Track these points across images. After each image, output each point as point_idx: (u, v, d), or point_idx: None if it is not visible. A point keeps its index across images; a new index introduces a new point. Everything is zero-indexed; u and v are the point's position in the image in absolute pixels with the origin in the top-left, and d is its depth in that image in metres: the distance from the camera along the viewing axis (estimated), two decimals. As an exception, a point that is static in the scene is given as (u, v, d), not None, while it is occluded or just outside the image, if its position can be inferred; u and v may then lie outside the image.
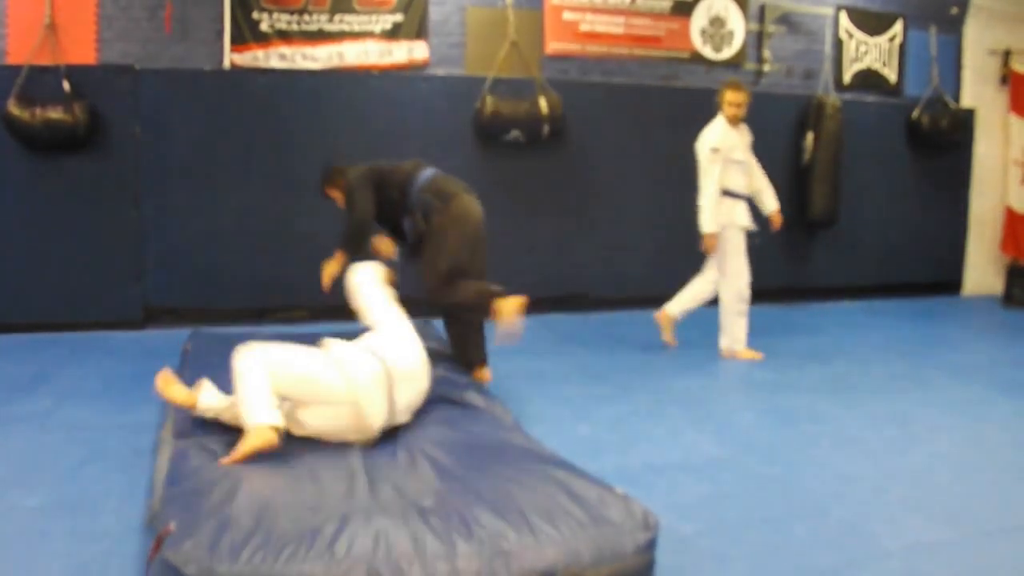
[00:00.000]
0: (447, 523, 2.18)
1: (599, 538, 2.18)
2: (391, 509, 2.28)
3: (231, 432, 3.01)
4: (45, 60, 5.14)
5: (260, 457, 2.68)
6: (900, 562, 2.45)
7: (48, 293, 5.31)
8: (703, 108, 6.56)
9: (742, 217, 4.86)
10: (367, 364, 2.74)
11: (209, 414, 2.82)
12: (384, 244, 4.03)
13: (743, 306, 4.82)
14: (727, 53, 6.65)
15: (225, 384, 3.55)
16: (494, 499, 2.31)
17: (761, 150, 6.73)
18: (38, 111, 5.00)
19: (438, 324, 4.79)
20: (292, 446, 2.84)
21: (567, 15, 6.20)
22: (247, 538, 2.04)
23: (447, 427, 3.06)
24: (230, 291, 5.52)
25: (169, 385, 2.88)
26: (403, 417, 2.92)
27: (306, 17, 5.61)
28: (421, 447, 2.85)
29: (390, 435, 3.06)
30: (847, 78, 7.02)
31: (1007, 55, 7.40)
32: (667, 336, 5.13)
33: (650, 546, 2.25)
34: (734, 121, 4.80)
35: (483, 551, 2.08)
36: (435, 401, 3.42)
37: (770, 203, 5.06)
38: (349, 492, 2.40)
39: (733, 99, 4.74)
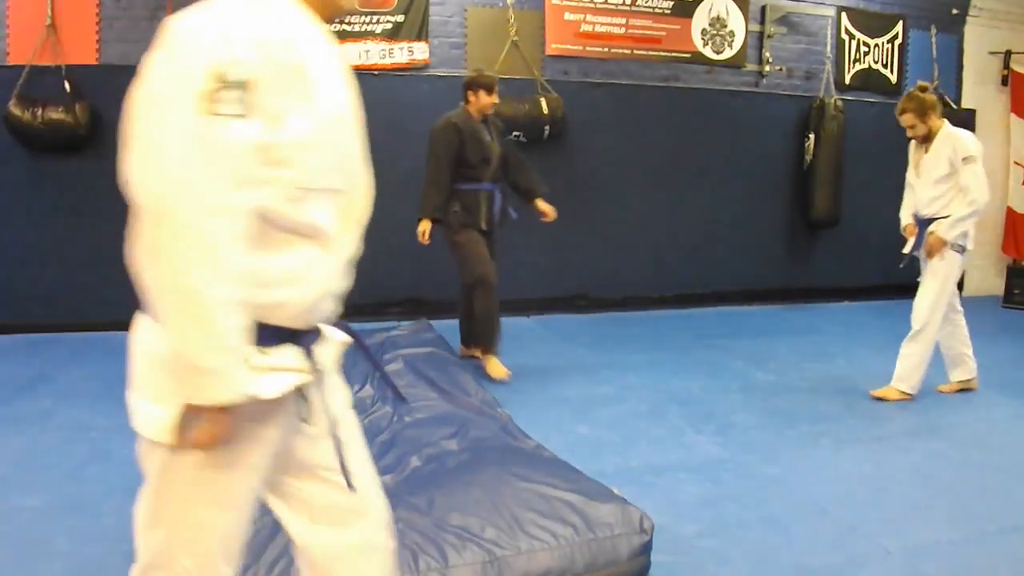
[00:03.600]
0: (439, 532, 2.17)
1: (593, 543, 2.18)
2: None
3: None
4: (46, 61, 5.14)
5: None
6: (900, 562, 2.45)
7: (48, 293, 5.31)
8: (704, 108, 6.60)
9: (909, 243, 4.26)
10: None
11: None
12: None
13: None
14: (728, 54, 6.65)
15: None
16: (487, 506, 2.30)
17: (762, 151, 6.78)
18: (39, 112, 5.00)
19: (439, 325, 4.80)
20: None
21: (568, 15, 6.20)
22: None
23: (443, 430, 3.06)
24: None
25: None
26: None
27: (307, 17, 5.61)
28: (414, 451, 2.85)
29: (384, 438, 3.06)
30: (848, 79, 7.02)
31: (1008, 56, 7.40)
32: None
33: (645, 549, 2.25)
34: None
35: (475, 559, 2.07)
36: (432, 402, 3.42)
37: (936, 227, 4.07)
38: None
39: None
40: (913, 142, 4.21)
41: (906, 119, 4.07)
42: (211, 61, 1.11)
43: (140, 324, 1.34)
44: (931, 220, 4.10)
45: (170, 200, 1.10)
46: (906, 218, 4.30)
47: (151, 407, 1.27)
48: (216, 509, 1.32)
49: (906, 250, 4.26)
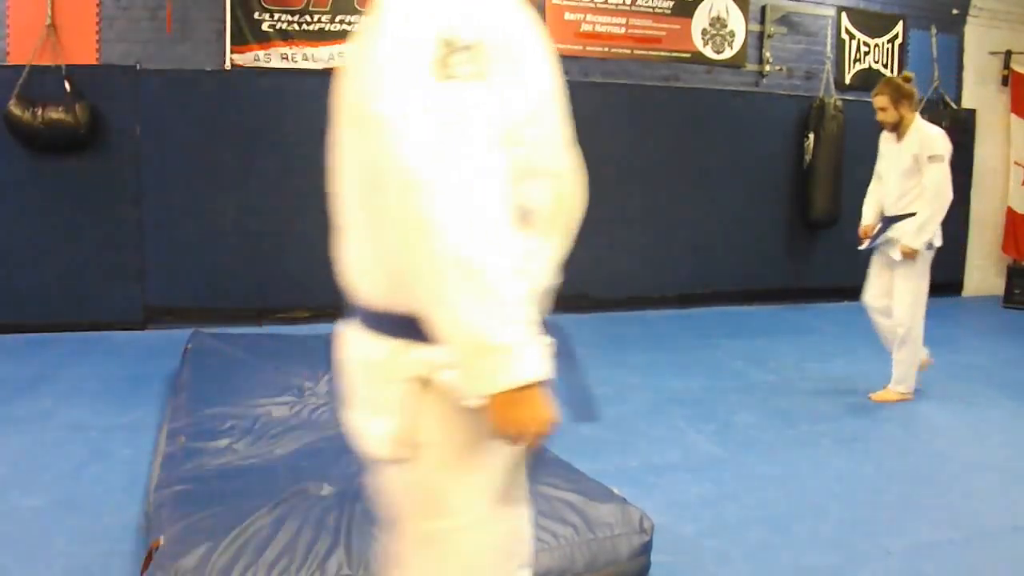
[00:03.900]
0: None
1: (593, 543, 2.17)
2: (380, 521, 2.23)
3: (227, 435, 2.97)
4: (46, 60, 5.13)
5: (251, 466, 2.63)
6: (900, 562, 2.45)
7: (48, 293, 5.31)
8: (704, 108, 6.59)
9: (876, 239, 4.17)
10: None
11: None
12: None
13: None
14: (728, 54, 6.65)
15: (218, 387, 3.49)
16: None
17: (762, 151, 6.78)
18: (39, 111, 5.00)
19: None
20: (290, 456, 2.81)
21: (568, 15, 6.20)
22: (237, 555, 1.99)
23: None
24: (230, 291, 5.52)
25: None
26: None
27: (307, 17, 5.61)
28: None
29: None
30: (848, 79, 7.02)
31: (1008, 56, 7.40)
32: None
33: (645, 549, 2.24)
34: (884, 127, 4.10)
35: None
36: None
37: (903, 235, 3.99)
38: (339, 503, 2.32)
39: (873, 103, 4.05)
40: (884, 132, 4.13)
41: (879, 101, 3.97)
42: (437, 27, 1.05)
43: (347, 336, 1.23)
44: (896, 218, 4.03)
45: (431, 169, 1.01)
46: (868, 216, 4.21)
47: (374, 422, 1.17)
48: (467, 520, 1.22)
49: (862, 247, 4.20)
